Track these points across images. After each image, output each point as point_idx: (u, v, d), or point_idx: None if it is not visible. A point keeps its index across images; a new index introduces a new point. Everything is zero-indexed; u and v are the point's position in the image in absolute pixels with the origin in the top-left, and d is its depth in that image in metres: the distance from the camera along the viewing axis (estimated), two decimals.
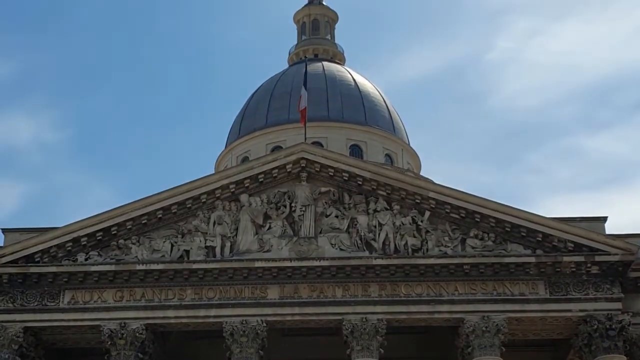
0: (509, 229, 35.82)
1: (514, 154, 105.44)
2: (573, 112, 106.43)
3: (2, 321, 34.78)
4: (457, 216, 36.13)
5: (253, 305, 35.16)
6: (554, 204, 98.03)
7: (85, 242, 35.63)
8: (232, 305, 35.12)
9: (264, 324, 34.84)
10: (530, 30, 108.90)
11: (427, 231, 36.08)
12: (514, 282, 35.40)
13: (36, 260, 35.42)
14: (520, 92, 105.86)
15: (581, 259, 35.08)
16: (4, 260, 35.15)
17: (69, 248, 35.58)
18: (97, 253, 35.70)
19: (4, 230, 37.25)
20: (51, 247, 35.39)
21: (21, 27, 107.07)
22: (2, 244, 36.62)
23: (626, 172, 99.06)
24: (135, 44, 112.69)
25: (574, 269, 35.21)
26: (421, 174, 61.98)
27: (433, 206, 36.24)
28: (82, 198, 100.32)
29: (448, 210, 36.10)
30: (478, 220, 35.96)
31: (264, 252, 35.83)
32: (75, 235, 35.48)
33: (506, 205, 35.99)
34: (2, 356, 34.41)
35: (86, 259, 35.57)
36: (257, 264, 35.26)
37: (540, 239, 35.60)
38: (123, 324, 34.66)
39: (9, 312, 35.03)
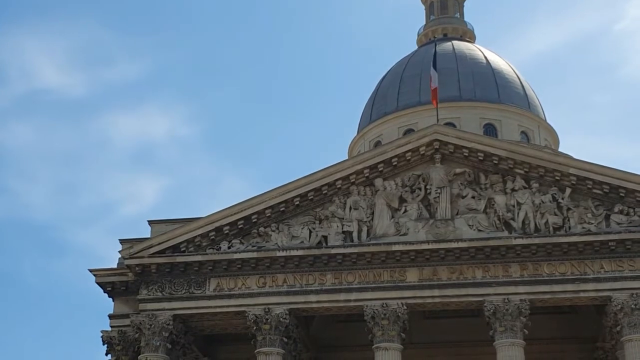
0: None
1: None
2: None
3: (153, 309, 36.09)
4: (599, 192, 35.03)
5: (393, 289, 35.25)
6: None
7: (227, 231, 36.60)
8: (372, 289, 35.32)
9: (404, 307, 34.87)
10: None
11: (569, 208, 35.18)
12: None
13: (182, 250, 36.64)
14: None
15: None
16: (152, 250, 36.51)
17: (212, 237, 36.61)
18: (239, 241, 36.63)
19: (151, 222, 38.87)
20: (195, 236, 36.51)
21: (151, 29, 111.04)
22: (148, 236, 38.14)
23: None
24: (262, 33, 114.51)
25: None
26: (559, 149, 60.20)
27: (574, 183, 35.28)
28: (216, 189, 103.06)
29: (590, 186, 35.08)
30: (623, 195, 34.78)
31: (400, 235, 35.83)
32: (217, 224, 36.49)
33: None
34: (153, 343, 35.72)
35: (229, 247, 36.54)
36: (395, 248, 35.30)
37: None
38: (267, 309, 35.41)
39: (158, 300, 36.33)
